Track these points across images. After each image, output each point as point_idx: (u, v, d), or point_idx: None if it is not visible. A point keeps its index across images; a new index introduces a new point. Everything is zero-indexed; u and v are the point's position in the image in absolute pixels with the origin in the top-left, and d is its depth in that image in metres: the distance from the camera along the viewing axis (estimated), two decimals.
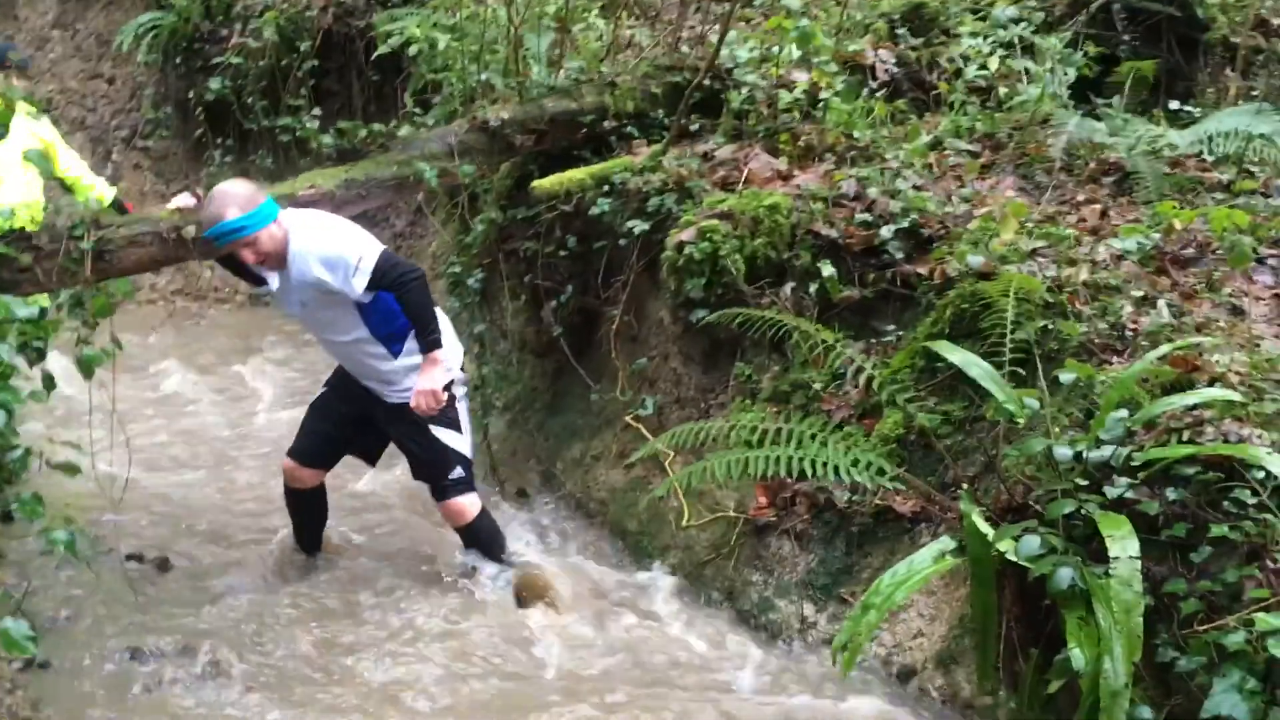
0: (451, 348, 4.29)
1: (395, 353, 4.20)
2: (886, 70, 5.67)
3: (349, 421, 4.40)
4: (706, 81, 5.30)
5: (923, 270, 4.26)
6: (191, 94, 8.69)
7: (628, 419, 4.85)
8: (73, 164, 6.23)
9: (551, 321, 5.27)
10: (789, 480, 4.11)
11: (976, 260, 4.05)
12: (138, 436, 5.88)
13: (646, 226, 4.82)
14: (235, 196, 4.00)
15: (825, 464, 3.68)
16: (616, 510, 4.84)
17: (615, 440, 4.94)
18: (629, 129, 5.31)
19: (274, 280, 4.19)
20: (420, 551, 4.70)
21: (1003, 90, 5.44)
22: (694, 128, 5.26)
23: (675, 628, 4.18)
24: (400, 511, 5.12)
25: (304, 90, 8.30)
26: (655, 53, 5.63)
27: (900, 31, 5.88)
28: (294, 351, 7.28)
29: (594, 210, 4.98)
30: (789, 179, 4.80)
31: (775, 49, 5.46)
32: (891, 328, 4.27)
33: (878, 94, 5.43)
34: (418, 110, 6.32)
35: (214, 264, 8.44)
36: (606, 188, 5.00)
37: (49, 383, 4.15)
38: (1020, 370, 3.66)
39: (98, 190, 6.15)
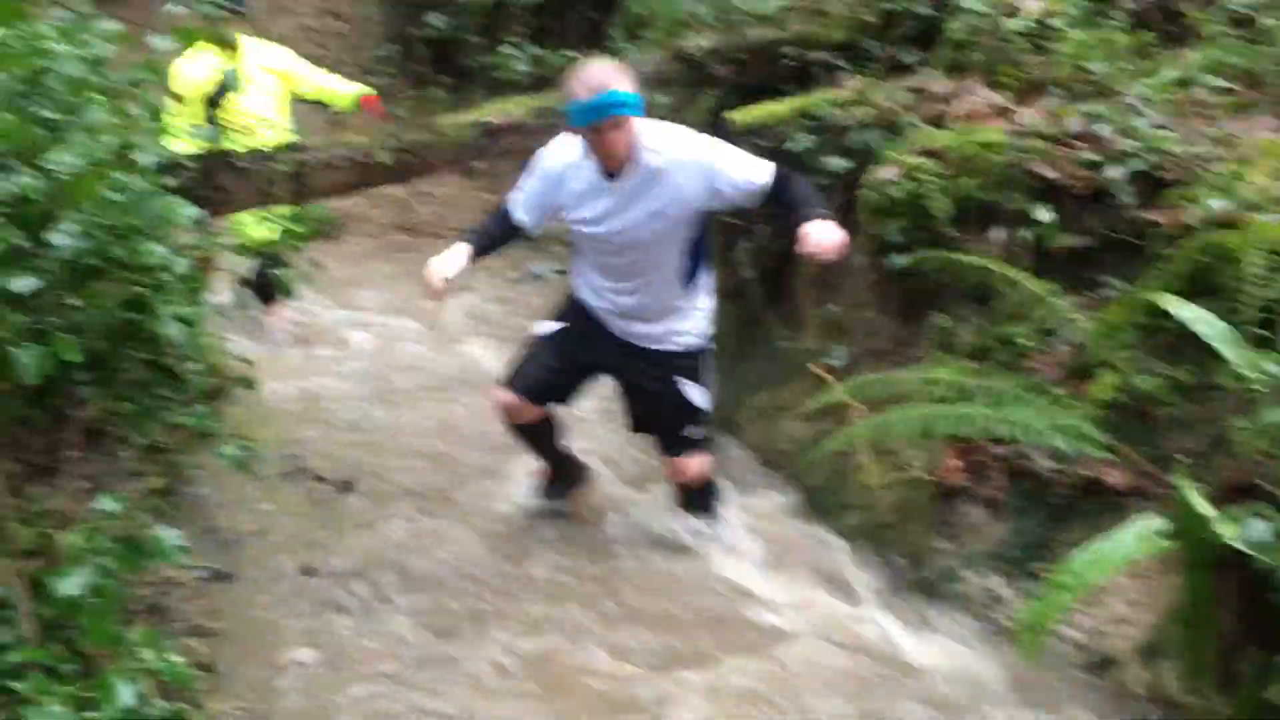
0: (711, 300, 4.05)
1: (688, 286, 3.92)
2: None
3: (578, 366, 4.16)
4: (925, 9, 4.90)
5: (1156, 217, 3.79)
6: (416, 31, 8.85)
7: (816, 369, 4.58)
8: (318, 79, 6.36)
9: (744, 264, 5.04)
10: (985, 443, 3.77)
11: (1220, 205, 3.57)
12: (335, 361, 6.05)
13: (847, 164, 4.50)
14: (625, 71, 3.59)
15: (1022, 425, 3.32)
16: (798, 463, 4.58)
17: (802, 391, 4.67)
18: (836, 60, 4.98)
19: (599, 201, 3.77)
20: (615, 499, 4.57)
21: (1269, 21, 4.79)
22: (907, 60, 4.87)
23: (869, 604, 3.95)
24: (600, 458, 4.96)
25: (522, 29, 8.32)
26: None
27: None
28: (502, 288, 7.33)
29: (792, 146, 4.69)
30: (1008, 115, 4.37)
31: None
32: (1115, 281, 3.83)
33: (1120, 25, 4.88)
34: (625, 46, 6.16)
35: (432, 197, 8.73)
36: (808, 122, 4.70)
37: (241, 301, 4.28)
38: (1266, 333, 3.19)
39: (343, 92, 6.28)
